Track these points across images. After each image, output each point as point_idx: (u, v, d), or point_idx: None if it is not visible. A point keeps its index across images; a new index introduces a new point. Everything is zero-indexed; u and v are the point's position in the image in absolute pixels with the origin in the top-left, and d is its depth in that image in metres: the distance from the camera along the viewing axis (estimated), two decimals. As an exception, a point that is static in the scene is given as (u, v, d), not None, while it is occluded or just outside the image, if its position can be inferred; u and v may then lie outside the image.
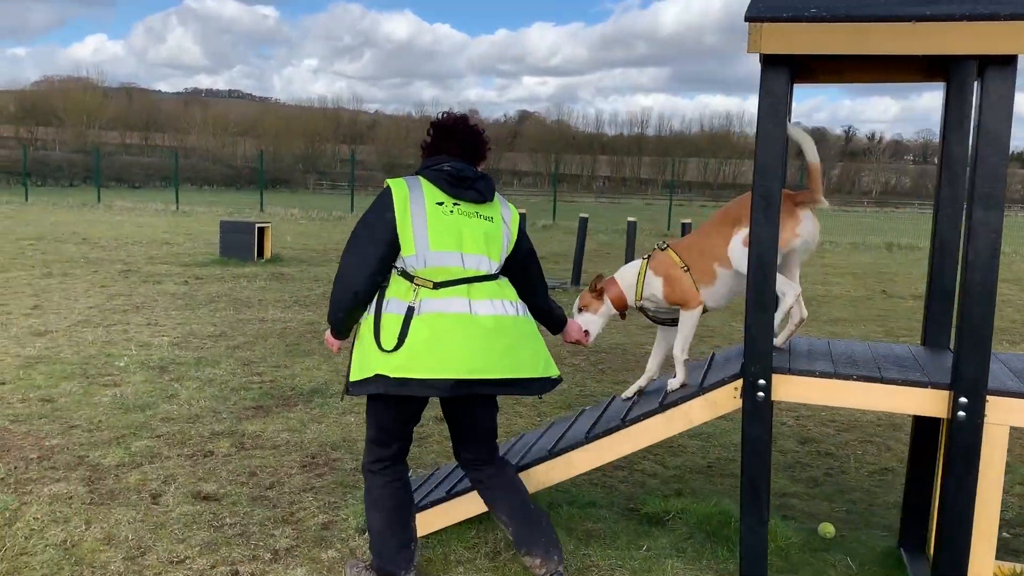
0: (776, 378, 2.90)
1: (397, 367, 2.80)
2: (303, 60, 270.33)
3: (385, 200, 2.91)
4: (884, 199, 79.92)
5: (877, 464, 4.70)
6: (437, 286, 2.86)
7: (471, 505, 3.36)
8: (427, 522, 3.39)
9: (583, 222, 11.38)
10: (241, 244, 12.27)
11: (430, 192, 2.94)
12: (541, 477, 3.29)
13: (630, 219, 11.76)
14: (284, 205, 28.82)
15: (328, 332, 3.10)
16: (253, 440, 4.63)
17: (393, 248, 2.88)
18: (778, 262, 2.91)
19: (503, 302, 2.97)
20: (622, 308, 3.48)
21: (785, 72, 2.75)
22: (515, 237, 3.08)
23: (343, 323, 3.00)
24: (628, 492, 4.12)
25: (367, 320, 2.92)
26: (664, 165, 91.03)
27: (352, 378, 2.93)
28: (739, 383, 2.97)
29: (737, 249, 3.16)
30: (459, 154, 3.06)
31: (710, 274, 3.27)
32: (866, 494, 4.26)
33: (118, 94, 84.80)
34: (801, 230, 3.11)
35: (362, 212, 3.10)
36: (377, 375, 2.82)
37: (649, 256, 3.44)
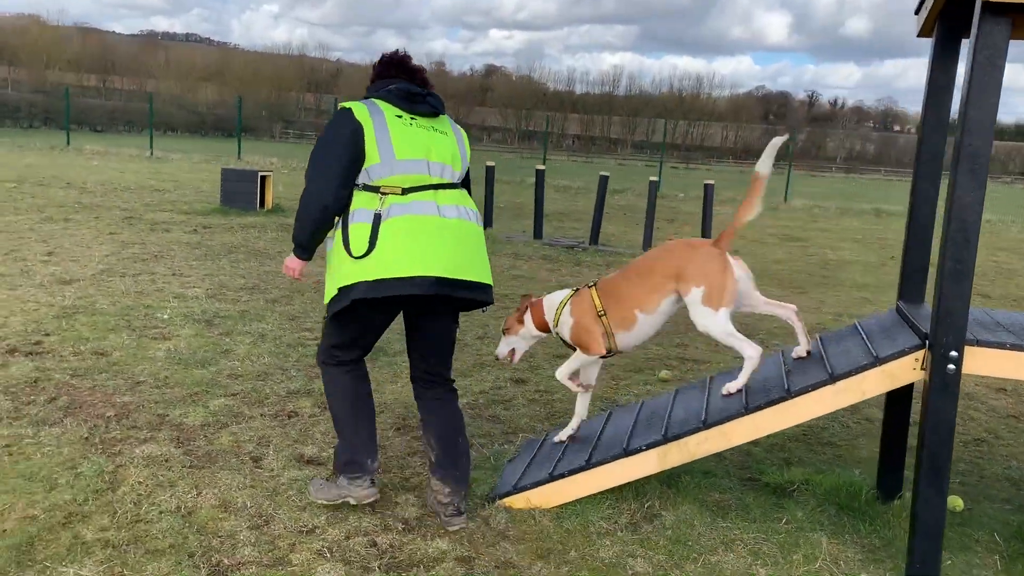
0: (966, 350, 2.76)
1: (371, 270, 2.86)
2: (262, 5, 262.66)
3: (343, 118, 2.96)
4: (851, 165, 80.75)
5: (969, 434, 4.64)
6: (405, 192, 2.95)
7: (608, 477, 3.21)
8: (562, 491, 3.24)
9: (603, 181, 11.16)
10: (243, 193, 11.83)
11: (387, 108, 3.02)
12: (693, 448, 3.13)
13: (652, 178, 11.59)
14: (262, 154, 28.00)
15: (289, 259, 3.13)
16: (333, 400, 4.41)
17: (356, 162, 2.94)
18: (731, 311, 3.14)
19: (467, 209, 3.10)
20: (544, 331, 3.52)
21: (1006, 23, 2.56)
22: (469, 153, 3.22)
23: (311, 240, 3.04)
24: (738, 461, 4.00)
25: (336, 237, 2.98)
26: (635, 125, 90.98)
27: (328, 298, 2.97)
28: (920, 354, 2.83)
29: (698, 307, 3.15)
30: (406, 80, 3.16)
31: (630, 320, 3.30)
32: (971, 465, 4.19)
33: (72, 33, 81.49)
34: (738, 274, 3.20)
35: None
36: (354, 283, 2.87)
37: (577, 290, 3.48)
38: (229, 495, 3.24)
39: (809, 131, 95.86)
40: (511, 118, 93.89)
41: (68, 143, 26.59)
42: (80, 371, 4.54)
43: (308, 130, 64.01)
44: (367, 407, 3.20)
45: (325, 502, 3.17)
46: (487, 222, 11.40)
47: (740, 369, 3.29)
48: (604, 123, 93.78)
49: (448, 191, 3.05)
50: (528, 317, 3.52)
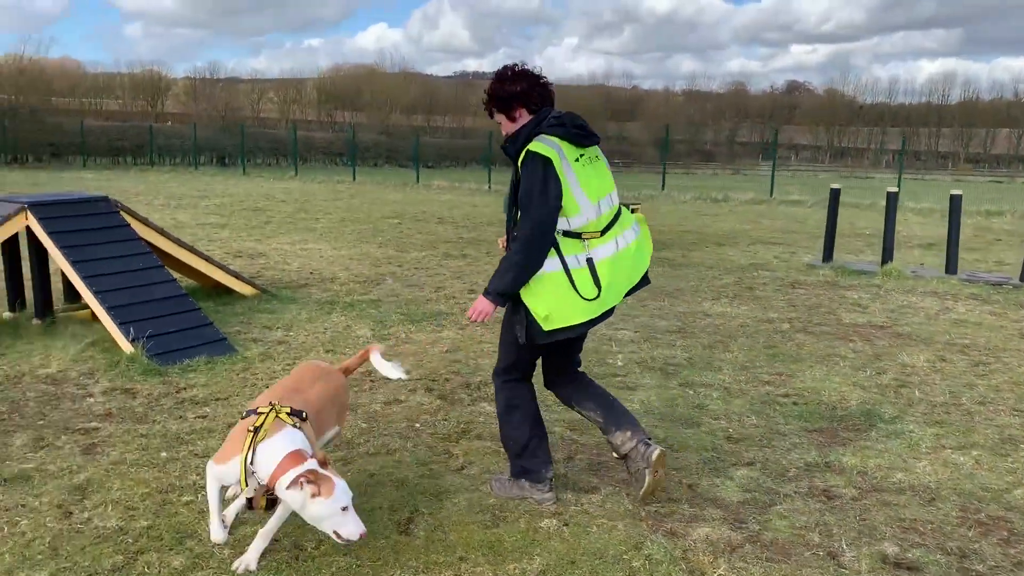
0: None
1: (596, 309, 3.23)
2: (563, 39, 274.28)
3: (547, 169, 3.09)
4: None
5: None
6: (603, 233, 3.23)
7: None
8: None
9: (956, 201, 9.59)
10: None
11: (568, 150, 3.17)
12: None
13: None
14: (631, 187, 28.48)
15: (483, 303, 3.21)
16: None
17: (558, 212, 3.13)
18: None
19: (633, 224, 3.40)
20: None
21: None
22: None
23: (522, 286, 3.19)
24: None
25: (555, 277, 3.17)
26: (969, 136, 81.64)
27: (548, 327, 3.20)
28: None
29: None
30: (552, 101, 3.31)
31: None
32: None
33: (399, 80, 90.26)
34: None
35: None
36: (584, 321, 3.22)
37: None
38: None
39: None
40: (821, 135, 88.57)
41: (418, 180, 29.04)
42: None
43: (615, 158, 64.88)
44: (541, 421, 3.53)
45: (506, 497, 3.50)
46: (829, 253, 10.33)
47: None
48: (931, 135, 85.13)
49: (622, 216, 3.35)
50: None
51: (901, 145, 42.34)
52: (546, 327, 3.20)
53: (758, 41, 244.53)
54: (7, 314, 6.44)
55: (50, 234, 5.80)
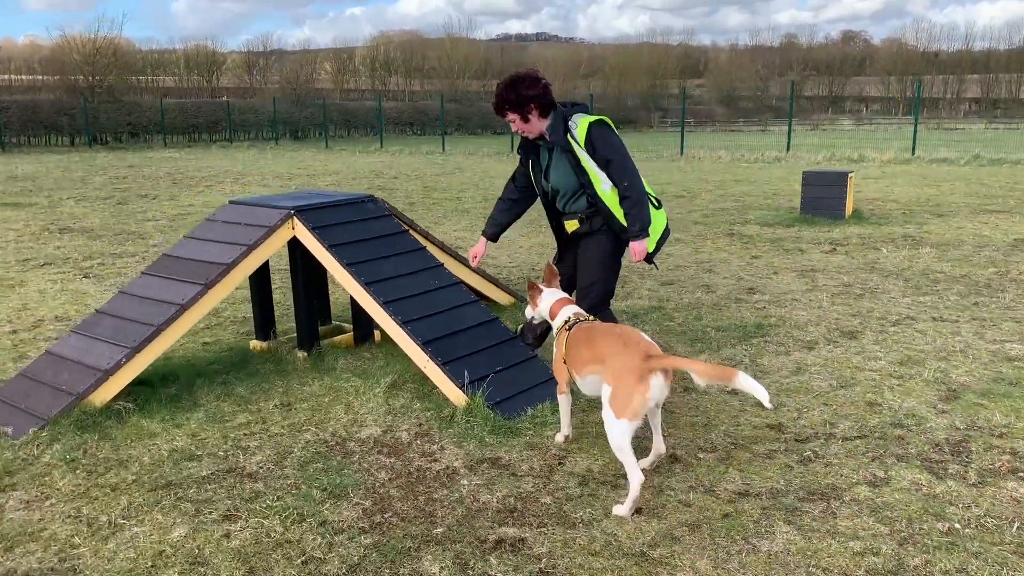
0: None
1: (652, 241, 4.24)
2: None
3: (613, 129, 4.11)
4: None
5: None
6: None
7: None
8: None
9: None
10: (829, 198, 10.34)
11: None
12: None
13: None
14: (706, 146, 26.76)
15: (639, 244, 4.12)
16: None
17: None
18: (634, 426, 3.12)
19: None
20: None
21: None
22: None
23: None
24: None
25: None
26: (1055, 81, 77.30)
27: (650, 248, 4.21)
28: None
29: (606, 407, 3.22)
30: (555, 104, 4.20)
31: (577, 375, 3.53)
32: None
33: (437, 44, 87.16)
34: (651, 394, 3.14)
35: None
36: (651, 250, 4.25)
37: (567, 321, 3.70)
38: None
39: None
40: (893, 86, 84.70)
41: (512, 148, 27.63)
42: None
43: (688, 117, 62.71)
44: None
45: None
46: None
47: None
48: (1012, 82, 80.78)
49: None
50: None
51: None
52: (650, 248, 4.20)
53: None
54: (256, 343, 5.29)
55: (331, 247, 4.59)
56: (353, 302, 5.23)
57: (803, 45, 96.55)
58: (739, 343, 5.28)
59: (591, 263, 4.29)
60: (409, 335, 4.31)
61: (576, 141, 4.05)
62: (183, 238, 4.95)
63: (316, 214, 4.74)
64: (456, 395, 4.15)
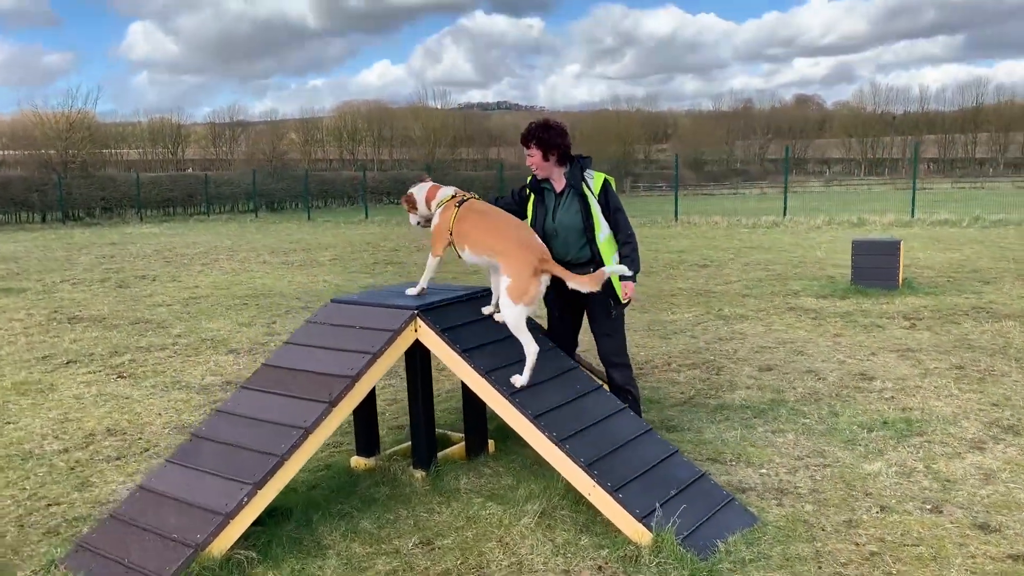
0: None
1: None
2: (565, 66, 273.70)
3: None
4: None
5: None
6: None
7: None
8: None
9: None
10: (880, 268, 9.99)
11: None
12: None
13: None
14: (696, 212, 26.56)
15: (631, 287, 4.40)
16: None
17: None
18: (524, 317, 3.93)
19: None
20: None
21: None
22: None
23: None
24: None
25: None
26: (1007, 141, 79.93)
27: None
28: None
29: (503, 294, 3.98)
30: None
31: (465, 248, 4.16)
32: None
33: (407, 114, 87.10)
34: (541, 288, 3.96)
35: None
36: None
37: (454, 196, 4.29)
38: None
39: None
40: (854, 147, 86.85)
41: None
42: None
43: (658, 181, 63.37)
44: None
45: None
46: None
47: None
48: (967, 142, 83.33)
49: None
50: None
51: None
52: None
53: (761, 57, 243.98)
54: (359, 459, 4.62)
55: (464, 352, 4.00)
56: (466, 407, 4.64)
57: (763, 109, 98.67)
58: (899, 444, 4.74)
59: (613, 328, 4.58)
60: (569, 456, 3.71)
61: (591, 190, 4.38)
62: (285, 344, 4.32)
63: (440, 313, 4.16)
64: (634, 529, 3.54)
